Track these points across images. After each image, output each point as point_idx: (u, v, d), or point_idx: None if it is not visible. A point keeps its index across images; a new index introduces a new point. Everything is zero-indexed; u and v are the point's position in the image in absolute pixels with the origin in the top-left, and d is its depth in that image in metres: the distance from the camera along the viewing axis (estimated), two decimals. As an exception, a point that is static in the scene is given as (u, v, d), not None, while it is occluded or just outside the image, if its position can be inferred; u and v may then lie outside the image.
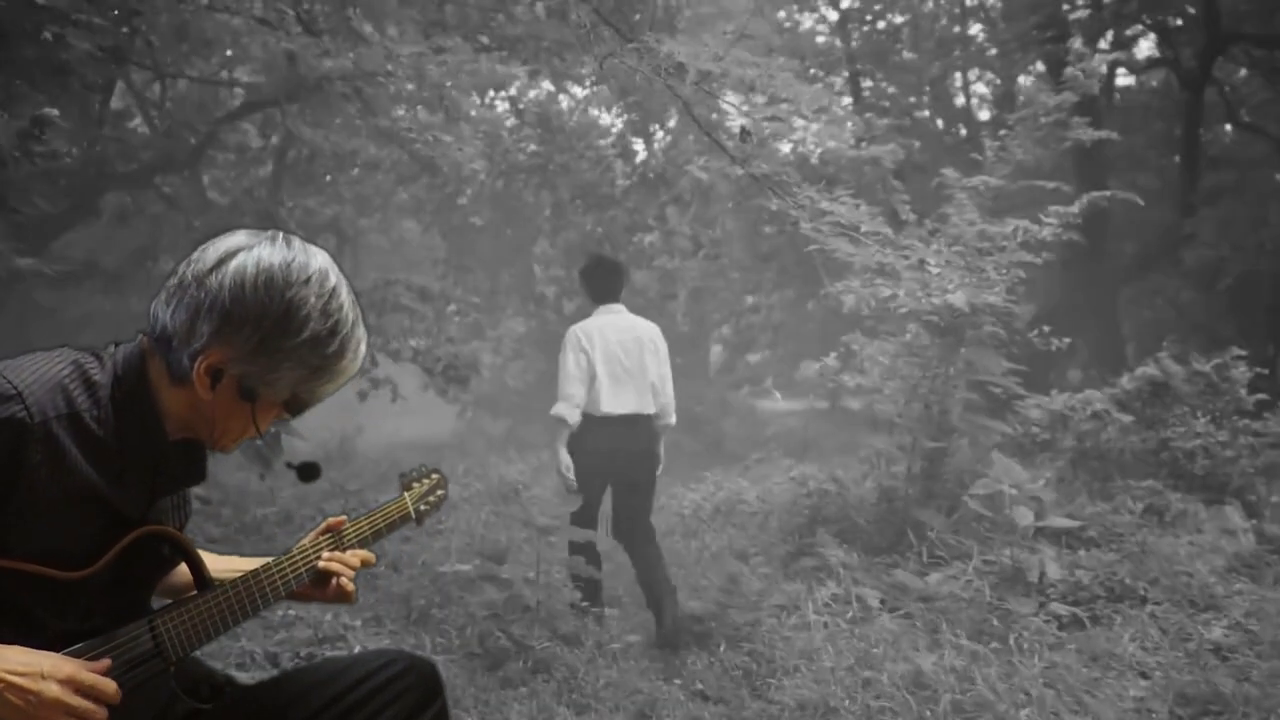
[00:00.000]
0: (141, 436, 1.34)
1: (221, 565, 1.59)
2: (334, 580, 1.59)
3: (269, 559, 1.57)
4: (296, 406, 1.41)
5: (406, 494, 1.80)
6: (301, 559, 1.57)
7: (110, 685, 1.24)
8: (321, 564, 1.58)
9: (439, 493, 1.86)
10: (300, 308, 1.31)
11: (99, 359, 1.35)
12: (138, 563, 1.36)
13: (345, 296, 1.36)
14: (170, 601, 1.43)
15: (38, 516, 1.24)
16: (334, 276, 1.36)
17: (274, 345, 1.31)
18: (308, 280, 1.32)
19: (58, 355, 1.32)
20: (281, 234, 1.37)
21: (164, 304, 1.33)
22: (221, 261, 1.31)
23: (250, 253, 1.32)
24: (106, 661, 1.26)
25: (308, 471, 1.47)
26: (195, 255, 1.34)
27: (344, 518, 1.68)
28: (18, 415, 1.22)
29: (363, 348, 1.41)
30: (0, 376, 1.24)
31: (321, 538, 1.63)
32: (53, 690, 1.18)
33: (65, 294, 9.06)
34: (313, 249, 1.37)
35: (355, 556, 1.62)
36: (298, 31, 6.42)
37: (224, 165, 10.72)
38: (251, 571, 1.49)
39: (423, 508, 1.82)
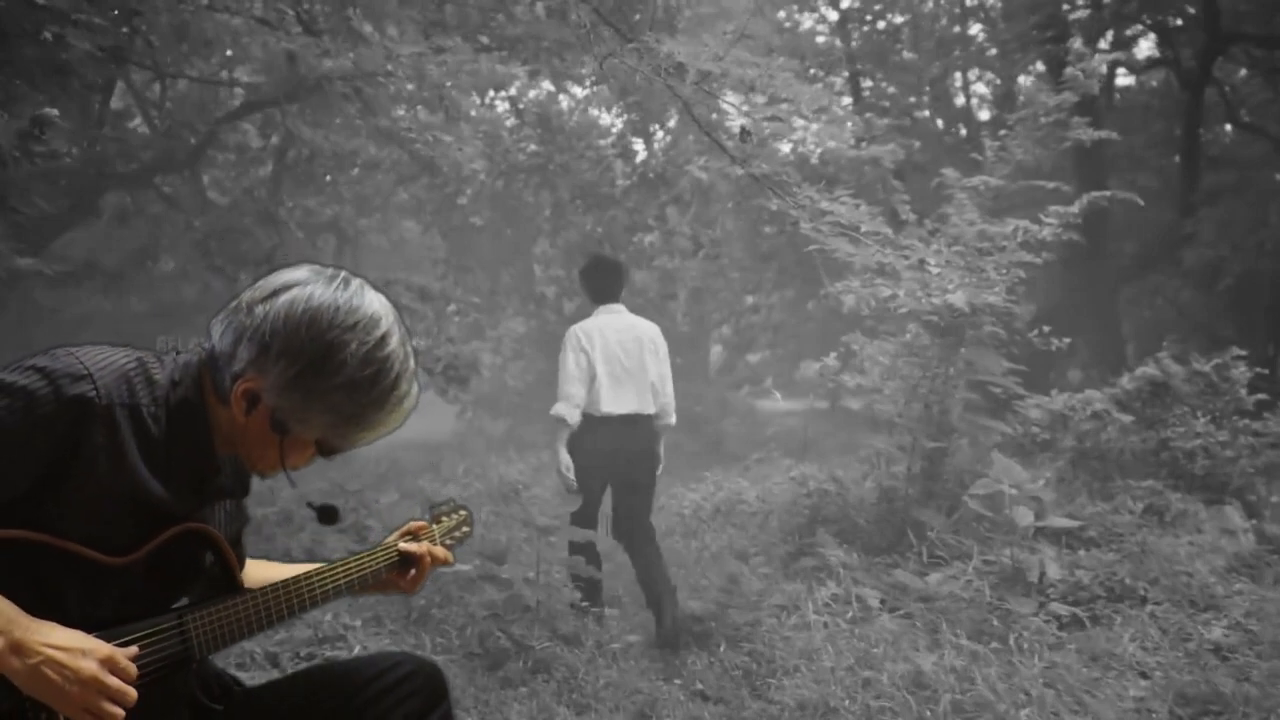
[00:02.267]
0: (191, 443, 1.35)
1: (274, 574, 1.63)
2: (411, 571, 1.68)
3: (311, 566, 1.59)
4: (327, 449, 1.40)
5: (435, 526, 1.82)
6: (357, 563, 1.60)
7: (134, 669, 1.25)
8: (415, 548, 1.68)
9: (465, 529, 1.88)
10: (339, 351, 1.29)
11: (160, 361, 1.37)
12: (175, 561, 1.37)
13: (394, 347, 1.33)
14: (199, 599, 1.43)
15: (89, 499, 1.26)
16: (385, 326, 1.33)
17: (307, 385, 1.30)
18: (354, 325, 1.30)
19: (125, 350, 1.34)
20: (344, 274, 1.37)
21: (219, 323, 1.35)
22: (276, 292, 1.32)
23: (304, 289, 1.32)
24: (134, 649, 1.28)
25: (327, 515, 1.47)
26: (260, 281, 1.36)
27: (424, 523, 1.77)
28: (88, 394, 1.24)
29: (408, 402, 1.37)
30: (72, 357, 1.27)
31: (369, 554, 1.65)
32: (91, 668, 1.19)
33: (65, 294, 9.08)
34: (371, 293, 1.35)
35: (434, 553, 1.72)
36: (298, 31, 6.42)
37: (224, 165, 10.73)
38: (291, 579, 1.49)
39: (448, 542, 1.84)
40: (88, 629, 1.25)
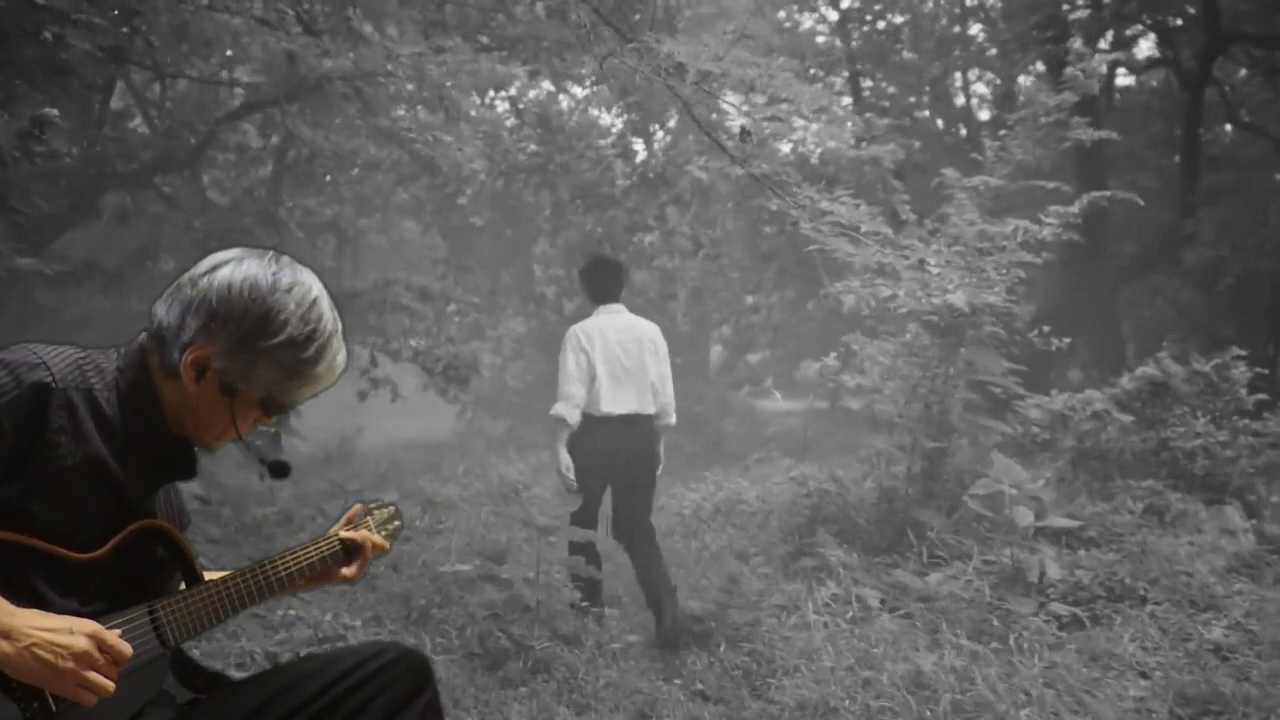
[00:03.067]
0: (143, 423, 1.43)
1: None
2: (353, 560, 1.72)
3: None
4: (273, 407, 1.51)
5: (369, 517, 1.87)
6: (292, 558, 1.65)
7: (126, 646, 1.29)
8: (356, 535, 1.73)
9: (395, 522, 1.93)
10: (279, 312, 1.43)
11: (104, 353, 1.46)
12: (137, 557, 1.43)
13: (325, 310, 1.49)
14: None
15: (55, 486, 1.32)
16: (316, 291, 1.49)
17: (252, 344, 1.43)
18: (289, 289, 1.45)
19: (66, 345, 1.42)
20: (273, 252, 1.51)
21: (163, 303, 1.46)
22: (215, 268, 1.46)
23: (240, 264, 1.46)
24: (118, 631, 1.32)
25: (278, 469, 1.57)
26: (196, 264, 1.49)
27: (359, 506, 1.82)
28: (44, 380, 1.33)
29: (340, 359, 1.52)
30: (25, 349, 1.36)
31: (314, 543, 1.71)
32: (81, 643, 1.24)
33: (65, 294, 9.06)
34: (300, 268, 1.50)
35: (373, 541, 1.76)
36: (298, 31, 6.42)
37: (224, 165, 10.71)
38: (249, 566, 1.57)
39: (383, 532, 1.89)
40: None
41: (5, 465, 1.29)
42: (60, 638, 1.23)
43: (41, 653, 1.21)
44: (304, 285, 1.47)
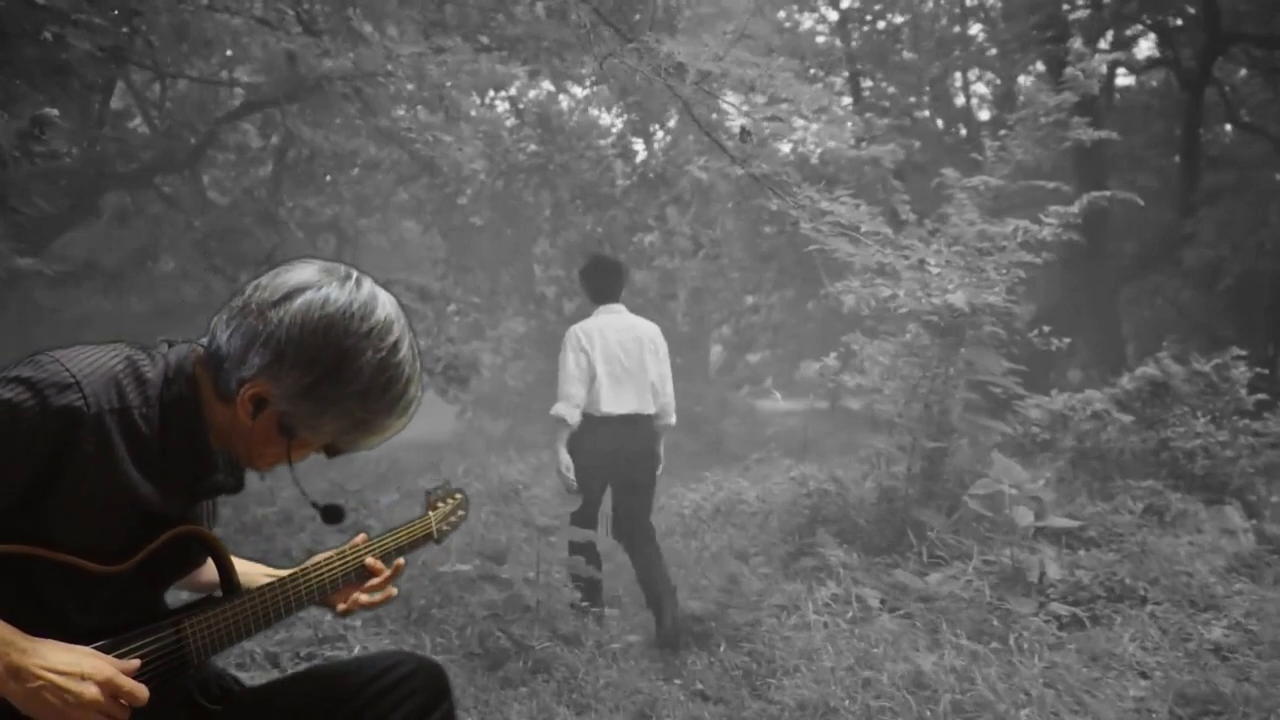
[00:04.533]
0: (185, 440, 1.34)
1: (244, 568, 1.61)
2: (363, 589, 1.64)
3: (288, 570, 1.58)
4: (334, 452, 1.40)
5: (431, 513, 1.81)
6: (328, 568, 1.58)
7: (143, 691, 1.24)
8: (370, 561, 1.63)
9: (460, 513, 1.87)
10: (354, 360, 1.29)
11: (151, 357, 1.35)
12: (167, 561, 1.37)
13: (405, 351, 1.34)
14: (195, 600, 1.43)
15: (80, 509, 1.24)
16: (397, 331, 1.33)
17: (321, 393, 1.30)
18: (369, 333, 1.30)
19: (112, 349, 1.31)
20: (355, 275, 1.35)
21: (224, 323, 1.32)
22: (288, 296, 1.29)
23: (318, 292, 1.30)
24: (136, 662, 1.27)
25: (332, 514, 1.45)
26: (265, 280, 1.33)
27: (364, 535, 1.70)
28: (75, 404, 1.21)
29: (415, 406, 1.39)
30: (59, 364, 1.23)
31: (349, 550, 1.64)
32: (91, 692, 1.18)
33: (65, 294, 9.07)
34: (382, 296, 1.34)
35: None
36: (298, 31, 6.42)
37: (224, 165, 10.72)
38: (278, 580, 1.50)
39: (444, 528, 1.83)
40: (86, 637, 1.25)
41: (25, 489, 1.21)
42: (70, 684, 1.17)
43: (50, 697, 1.16)
44: (383, 324, 1.31)
